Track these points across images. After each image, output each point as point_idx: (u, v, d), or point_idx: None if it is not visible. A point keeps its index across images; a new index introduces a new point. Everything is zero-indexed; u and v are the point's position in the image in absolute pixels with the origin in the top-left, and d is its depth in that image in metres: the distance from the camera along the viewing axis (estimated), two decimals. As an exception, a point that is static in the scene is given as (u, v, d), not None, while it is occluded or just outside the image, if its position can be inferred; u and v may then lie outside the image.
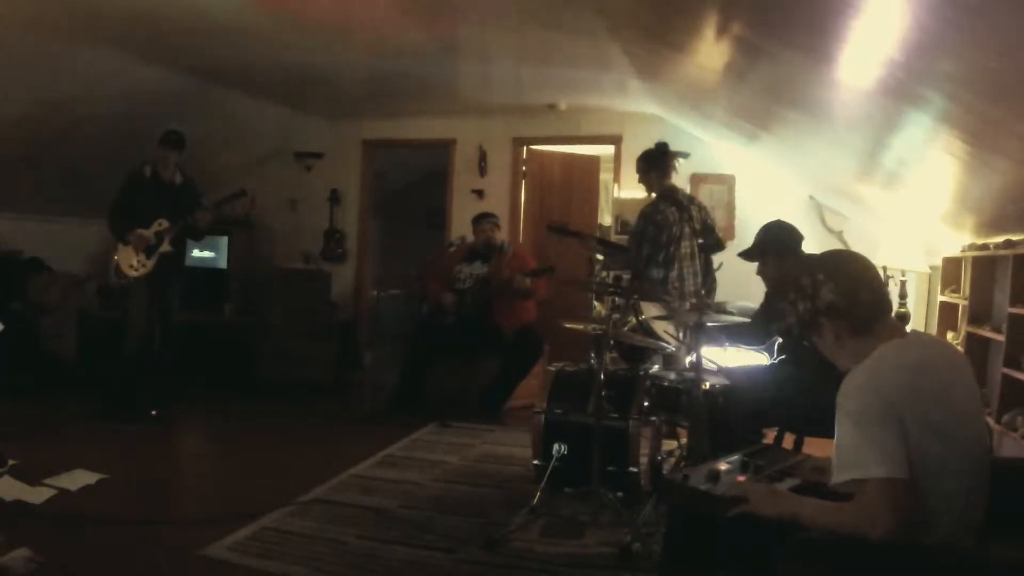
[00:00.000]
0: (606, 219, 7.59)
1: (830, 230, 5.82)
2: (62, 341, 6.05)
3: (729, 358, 3.65)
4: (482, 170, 6.86)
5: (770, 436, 3.26)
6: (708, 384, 3.29)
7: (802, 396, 2.90)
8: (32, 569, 2.44)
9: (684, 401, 3.32)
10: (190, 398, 5.32)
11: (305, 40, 4.50)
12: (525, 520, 3.05)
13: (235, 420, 5.15)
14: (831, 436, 1.67)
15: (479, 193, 6.83)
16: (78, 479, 3.45)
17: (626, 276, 4.81)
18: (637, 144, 6.29)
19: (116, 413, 4.67)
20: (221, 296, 6.68)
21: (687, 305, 3.55)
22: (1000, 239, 3.86)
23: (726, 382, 3.38)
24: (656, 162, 4.41)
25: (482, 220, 5.55)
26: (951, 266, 4.70)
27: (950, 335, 4.58)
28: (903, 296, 5.21)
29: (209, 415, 5.24)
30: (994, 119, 2.80)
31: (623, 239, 6.11)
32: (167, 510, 3.29)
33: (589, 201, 7.20)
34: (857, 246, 4.75)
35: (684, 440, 3.71)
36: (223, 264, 6.78)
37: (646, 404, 3.40)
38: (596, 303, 6.22)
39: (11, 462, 3.54)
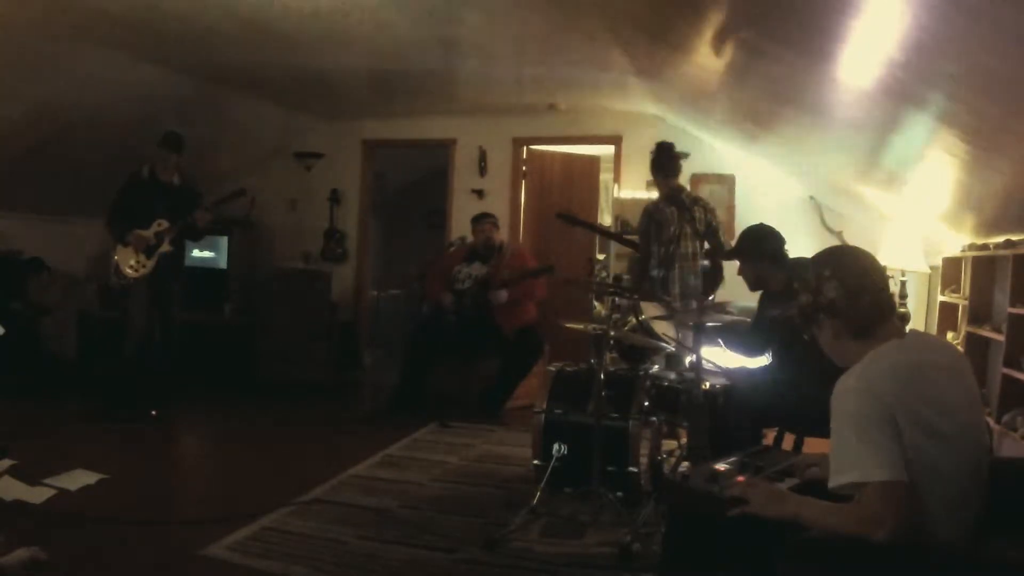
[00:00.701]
0: (606, 219, 7.59)
1: (830, 230, 5.82)
2: (62, 341, 6.05)
3: (729, 358, 3.65)
4: (482, 170, 6.86)
5: (770, 436, 3.27)
6: (708, 384, 3.29)
7: (802, 396, 2.90)
8: (32, 569, 2.44)
9: (684, 401, 3.32)
10: (190, 398, 5.32)
11: (305, 40, 4.50)
12: (525, 520, 3.05)
13: (235, 420, 5.14)
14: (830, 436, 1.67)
15: (479, 193, 6.83)
16: (78, 479, 3.45)
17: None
18: (637, 144, 6.32)
19: (116, 413, 4.67)
20: (221, 296, 6.68)
21: (687, 305, 3.57)
22: (1000, 239, 3.86)
23: (726, 382, 3.38)
24: (658, 163, 4.47)
25: (481, 220, 5.55)
26: (951, 266, 4.70)
27: (950, 335, 4.58)
28: (903, 296, 5.21)
29: (209, 415, 5.24)
30: (994, 119, 2.80)
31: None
32: (167, 510, 3.29)
33: (589, 201, 7.19)
34: (857, 246, 4.74)
35: (684, 440, 3.70)
36: (223, 264, 6.77)
37: (646, 404, 3.40)
38: (596, 303, 6.23)
39: (11, 462, 3.54)
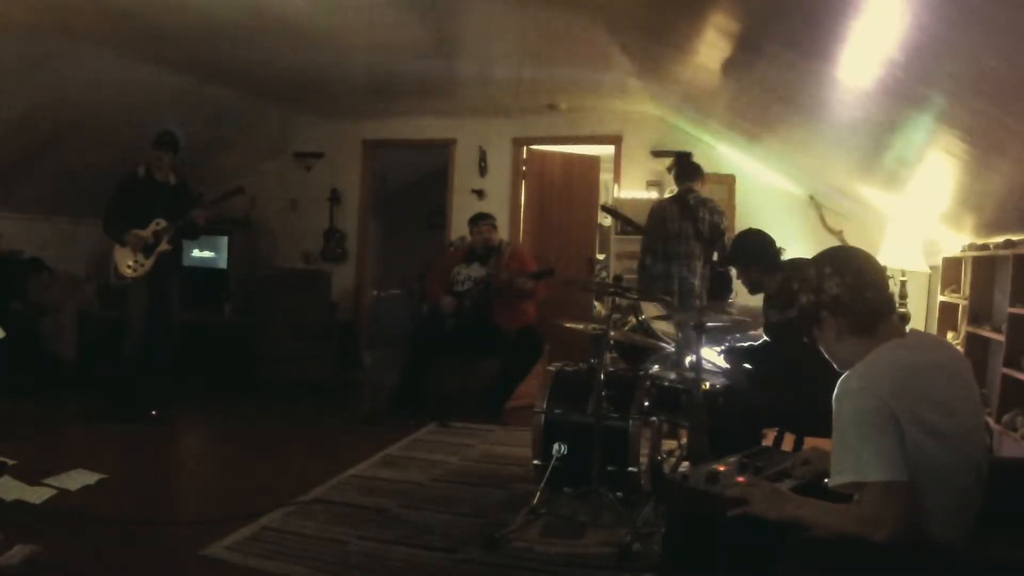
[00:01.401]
0: (606, 219, 7.59)
1: (830, 230, 5.82)
2: (62, 341, 6.04)
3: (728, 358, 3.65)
4: (482, 170, 6.86)
5: (770, 436, 3.26)
6: (708, 384, 3.29)
7: (802, 396, 2.90)
8: (32, 568, 2.44)
9: (684, 401, 3.32)
10: (190, 398, 5.32)
11: (305, 40, 4.50)
12: (525, 520, 3.05)
13: (235, 420, 5.14)
14: (831, 436, 1.67)
15: (479, 193, 6.83)
16: (78, 479, 3.44)
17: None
18: (637, 144, 6.33)
19: (116, 413, 4.67)
20: (221, 296, 6.68)
21: (687, 305, 3.57)
22: (1000, 239, 3.86)
23: (726, 382, 3.38)
24: (674, 169, 4.84)
25: (479, 221, 5.54)
26: (951, 266, 4.70)
27: (950, 335, 4.58)
28: (903, 296, 5.20)
29: (209, 415, 5.23)
30: (994, 119, 2.80)
31: (623, 239, 6.14)
32: (167, 510, 3.28)
33: (589, 201, 7.20)
34: (857, 246, 4.75)
35: (684, 440, 3.70)
36: (223, 264, 6.77)
37: (646, 404, 3.40)
38: (596, 303, 6.23)
39: (11, 462, 3.54)
